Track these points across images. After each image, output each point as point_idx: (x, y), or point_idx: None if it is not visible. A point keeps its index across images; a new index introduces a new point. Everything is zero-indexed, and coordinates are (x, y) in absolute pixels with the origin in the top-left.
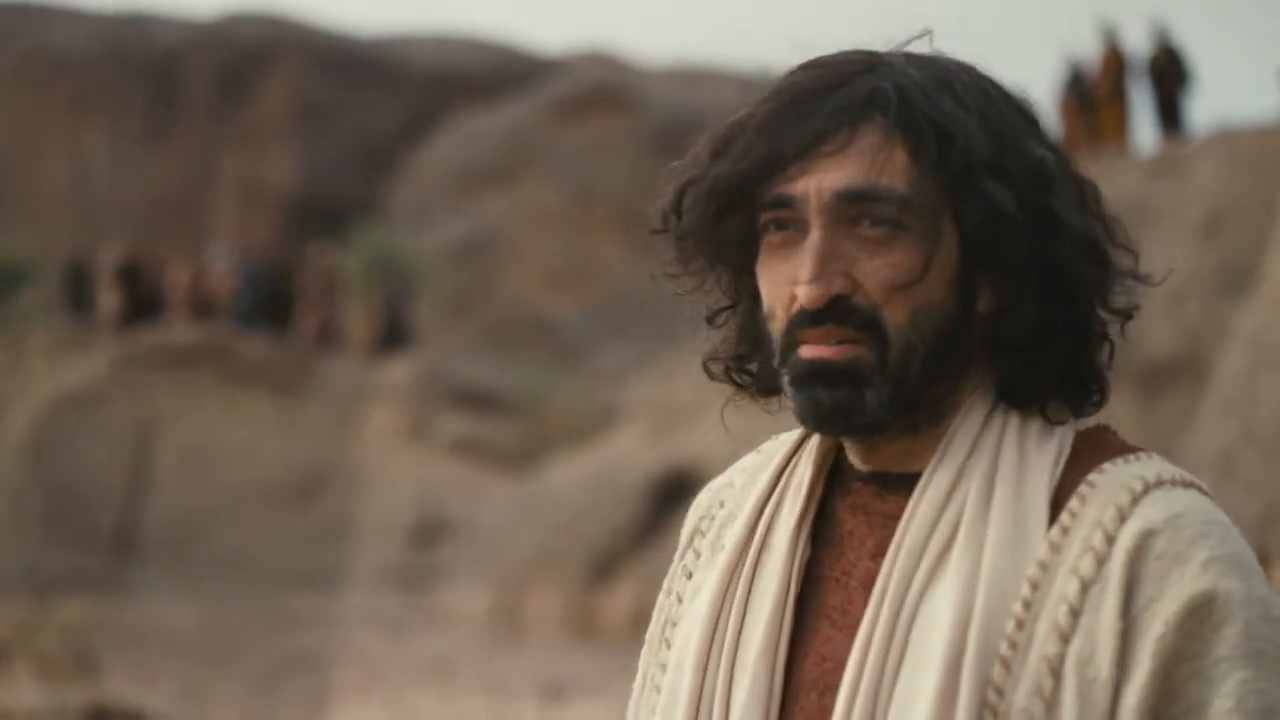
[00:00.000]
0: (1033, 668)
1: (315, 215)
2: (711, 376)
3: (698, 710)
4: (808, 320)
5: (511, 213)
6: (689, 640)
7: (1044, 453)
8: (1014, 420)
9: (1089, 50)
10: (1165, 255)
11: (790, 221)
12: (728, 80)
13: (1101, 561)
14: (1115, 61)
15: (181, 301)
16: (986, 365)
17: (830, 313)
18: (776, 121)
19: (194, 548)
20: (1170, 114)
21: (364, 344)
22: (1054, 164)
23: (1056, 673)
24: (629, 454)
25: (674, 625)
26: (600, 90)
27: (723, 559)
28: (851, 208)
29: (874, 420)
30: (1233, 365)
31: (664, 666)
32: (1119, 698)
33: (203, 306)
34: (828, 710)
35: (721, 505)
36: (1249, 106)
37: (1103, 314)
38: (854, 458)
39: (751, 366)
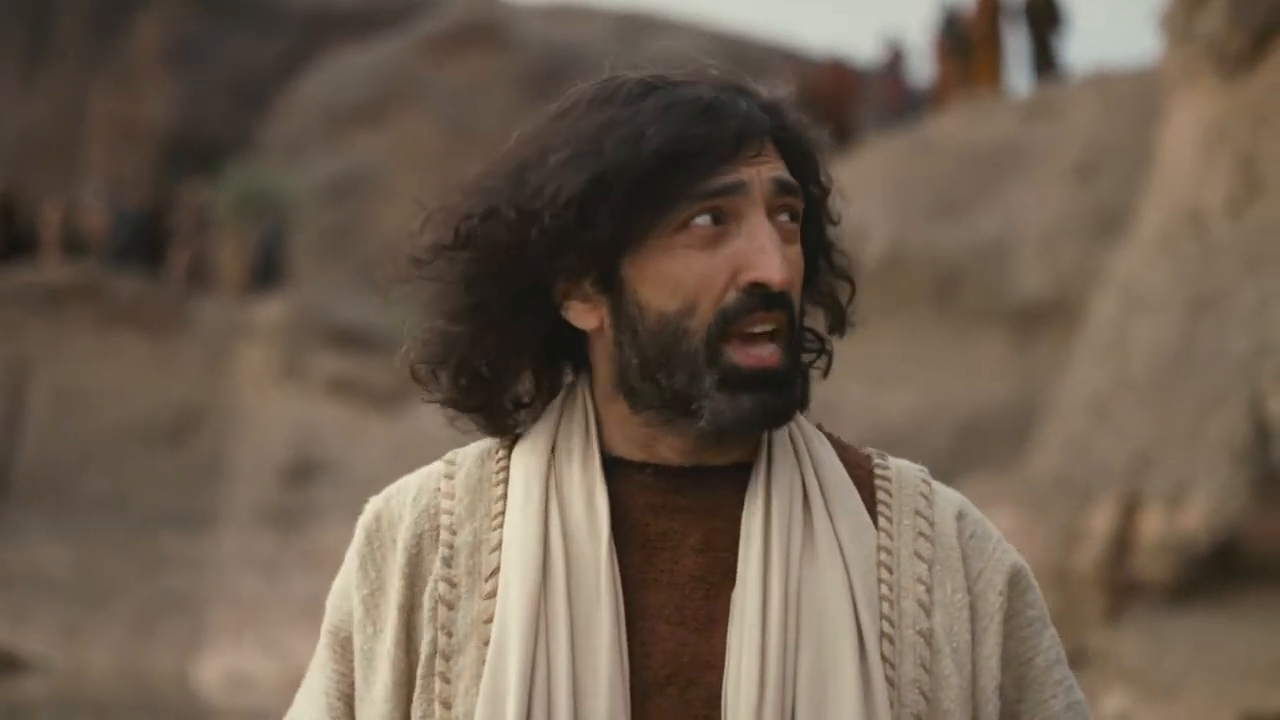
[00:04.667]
0: (910, 641)
1: (190, 152)
2: (417, 379)
3: None
4: (761, 304)
5: (386, 150)
6: (501, 668)
7: (824, 443)
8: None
9: None
10: (1039, 198)
11: (724, 213)
12: (602, 18)
13: (932, 542)
14: (990, 4)
15: (53, 239)
16: None
17: (778, 297)
18: (696, 121)
19: (68, 488)
20: (1045, 57)
21: (237, 282)
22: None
23: (930, 644)
24: None
25: (447, 659)
26: (475, 27)
27: (519, 580)
28: (778, 199)
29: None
30: (1105, 309)
31: (446, 703)
32: (977, 659)
33: (75, 244)
34: (693, 703)
35: (454, 532)
36: (1126, 51)
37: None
38: (673, 453)
39: (462, 379)
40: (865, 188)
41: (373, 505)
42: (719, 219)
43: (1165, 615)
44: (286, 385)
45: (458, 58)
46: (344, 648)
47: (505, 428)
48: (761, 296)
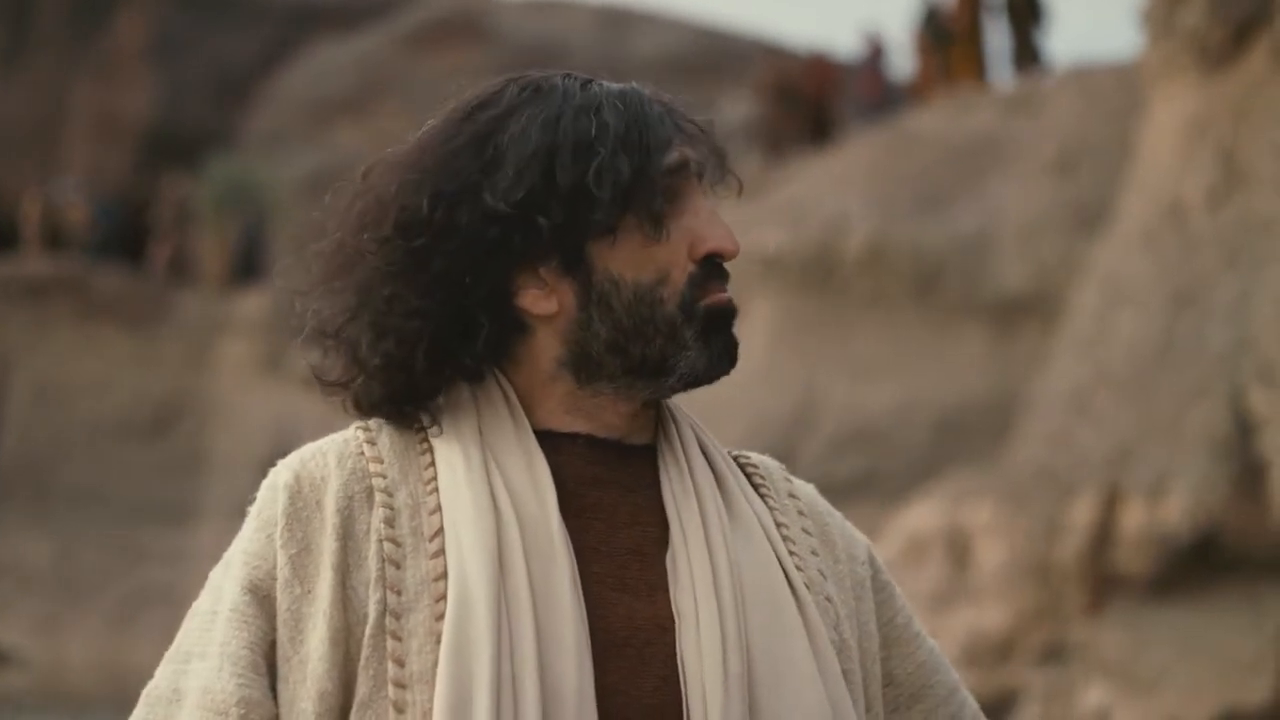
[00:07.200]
0: (822, 606)
1: (171, 146)
2: (326, 388)
3: (499, 690)
4: (718, 275)
5: (367, 143)
6: (465, 625)
7: (704, 429)
8: None
9: None
10: (1020, 192)
11: (674, 192)
12: (582, 12)
13: (811, 519)
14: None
15: (33, 233)
16: None
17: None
18: (650, 105)
19: (48, 481)
20: (1026, 51)
21: (218, 276)
22: None
23: (835, 609)
24: None
25: (398, 617)
26: (456, 21)
27: (478, 542)
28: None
29: None
30: (1086, 303)
31: (399, 660)
32: (861, 624)
33: (55, 238)
34: (651, 662)
35: (390, 494)
36: (1107, 45)
37: None
38: (619, 419)
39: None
40: (846, 182)
41: (287, 468)
42: (669, 197)
43: (1146, 608)
44: (267, 379)
45: (438, 52)
46: (264, 605)
47: (415, 420)
48: (716, 267)
